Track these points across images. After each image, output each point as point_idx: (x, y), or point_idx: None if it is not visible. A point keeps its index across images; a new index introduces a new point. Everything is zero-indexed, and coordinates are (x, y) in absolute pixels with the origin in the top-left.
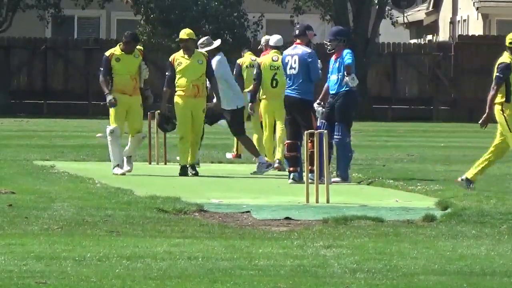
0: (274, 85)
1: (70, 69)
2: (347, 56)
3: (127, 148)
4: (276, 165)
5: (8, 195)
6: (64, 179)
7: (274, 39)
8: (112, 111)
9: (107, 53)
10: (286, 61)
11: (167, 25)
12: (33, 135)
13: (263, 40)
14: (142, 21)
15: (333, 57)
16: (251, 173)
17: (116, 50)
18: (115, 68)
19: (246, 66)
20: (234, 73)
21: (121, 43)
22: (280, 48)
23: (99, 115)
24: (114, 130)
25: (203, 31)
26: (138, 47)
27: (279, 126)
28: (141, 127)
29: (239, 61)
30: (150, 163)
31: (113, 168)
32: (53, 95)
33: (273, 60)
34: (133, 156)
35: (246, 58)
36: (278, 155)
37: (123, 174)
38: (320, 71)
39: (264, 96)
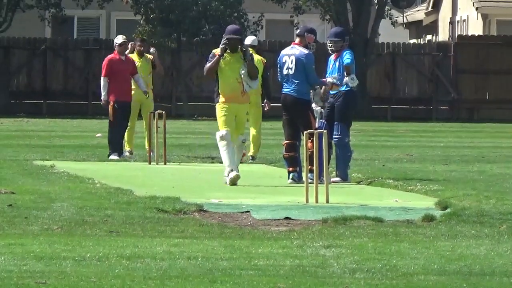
0: None
1: (70, 69)
2: (347, 56)
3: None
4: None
5: (8, 195)
6: (64, 179)
7: (250, 39)
8: (220, 116)
9: (214, 50)
10: (283, 60)
11: (167, 25)
12: (33, 135)
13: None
14: (142, 21)
15: (333, 57)
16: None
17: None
18: (220, 68)
19: None
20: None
21: (227, 37)
22: (255, 48)
23: (99, 115)
24: (225, 135)
25: (203, 31)
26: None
27: (253, 126)
28: (243, 132)
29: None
30: (150, 163)
31: (227, 175)
32: (52, 95)
33: None
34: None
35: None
36: (251, 152)
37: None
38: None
39: None
